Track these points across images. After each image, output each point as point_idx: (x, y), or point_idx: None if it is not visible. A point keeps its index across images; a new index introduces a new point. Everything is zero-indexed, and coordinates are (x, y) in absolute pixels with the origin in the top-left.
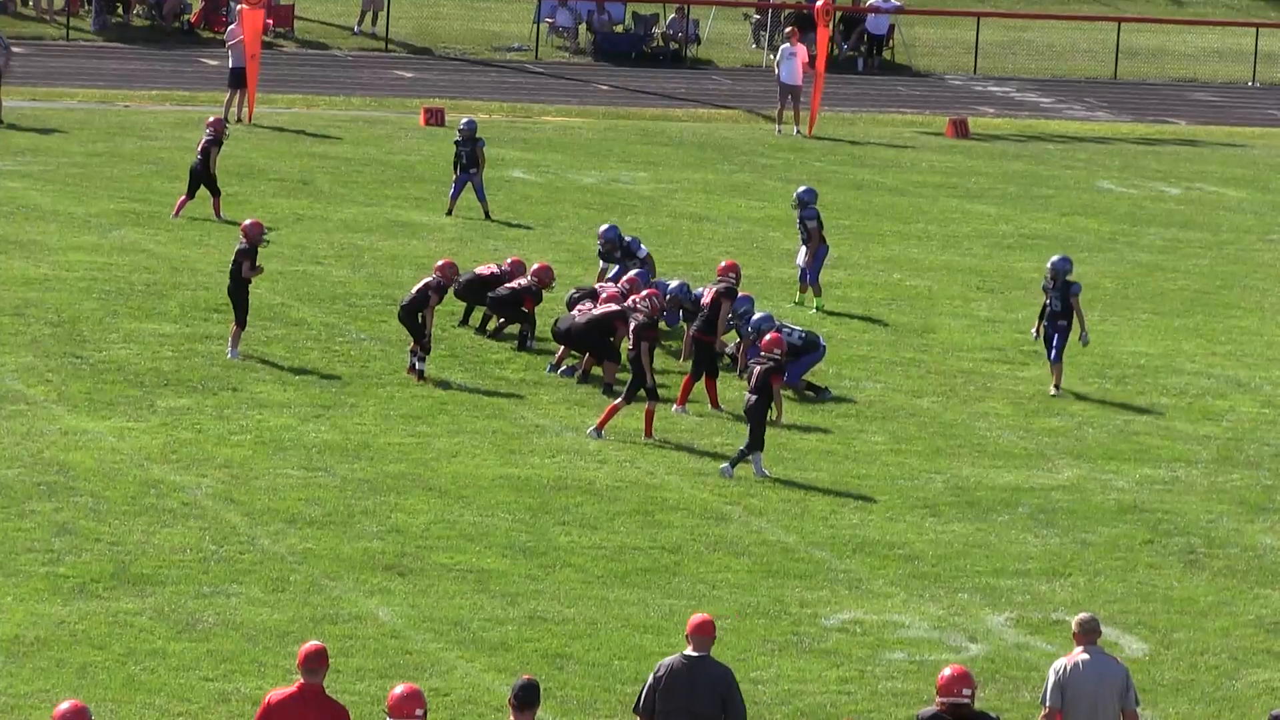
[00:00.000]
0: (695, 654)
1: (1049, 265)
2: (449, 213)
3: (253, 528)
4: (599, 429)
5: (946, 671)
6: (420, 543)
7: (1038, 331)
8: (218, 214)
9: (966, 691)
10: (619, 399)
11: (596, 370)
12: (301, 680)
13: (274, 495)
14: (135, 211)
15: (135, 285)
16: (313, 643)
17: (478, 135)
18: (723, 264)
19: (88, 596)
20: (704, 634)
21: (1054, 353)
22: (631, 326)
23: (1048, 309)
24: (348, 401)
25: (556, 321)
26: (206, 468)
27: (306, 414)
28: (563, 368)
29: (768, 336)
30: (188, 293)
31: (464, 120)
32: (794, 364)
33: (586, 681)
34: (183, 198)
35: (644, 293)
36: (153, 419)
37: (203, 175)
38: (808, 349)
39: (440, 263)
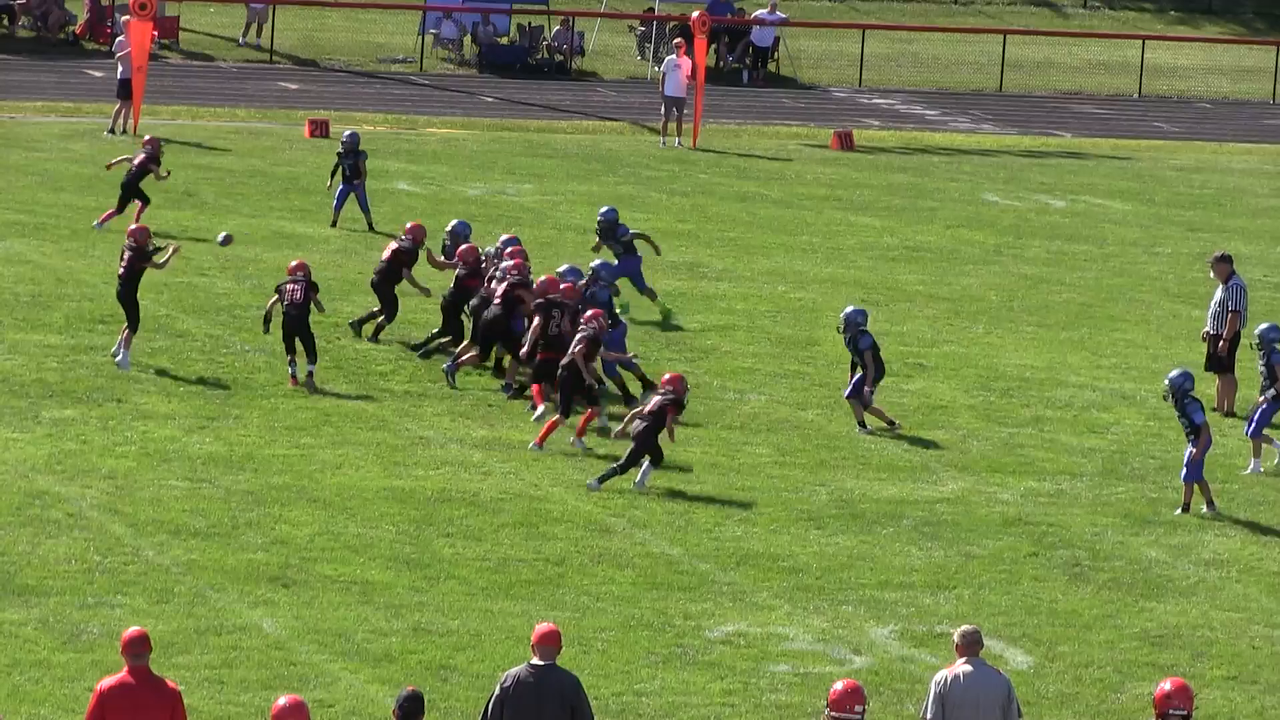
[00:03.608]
0: (541, 663)
1: (841, 316)
2: (334, 224)
3: (137, 539)
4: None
5: (839, 685)
6: (304, 554)
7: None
8: (137, 219)
9: (859, 708)
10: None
11: (491, 382)
12: (128, 665)
13: (158, 506)
14: (20, 223)
15: (20, 296)
16: (134, 628)
17: (360, 148)
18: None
19: None
20: (549, 643)
21: (849, 389)
22: (576, 348)
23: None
24: (232, 413)
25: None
26: (91, 479)
27: (191, 425)
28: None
29: (589, 312)
30: (72, 304)
31: (347, 133)
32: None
33: (470, 693)
34: (115, 213)
35: (590, 312)
36: (37, 430)
37: (133, 188)
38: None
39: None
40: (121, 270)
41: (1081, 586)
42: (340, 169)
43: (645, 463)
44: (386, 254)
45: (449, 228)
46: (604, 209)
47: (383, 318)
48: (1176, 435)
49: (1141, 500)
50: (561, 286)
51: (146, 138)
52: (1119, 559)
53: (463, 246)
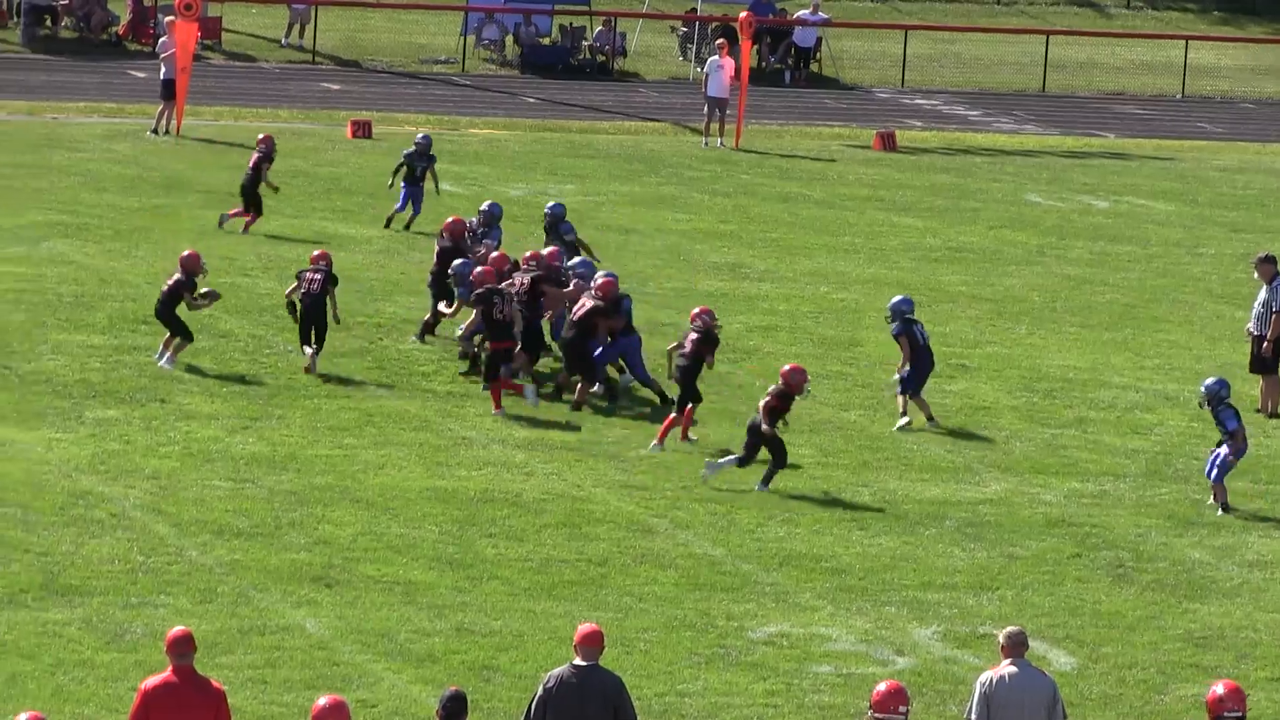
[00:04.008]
0: (584, 663)
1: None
2: (387, 224)
3: (180, 539)
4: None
5: (881, 687)
6: (347, 554)
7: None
8: (246, 229)
9: (902, 709)
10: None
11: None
12: (172, 665)
13: (202, 506)
14: (63, 223)
15: (63, 297)
16: (179, 628)
17: (431, 151)
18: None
19: (16, 607)
20: (592, 644)
21: (912, 388)
22: (691, 339)
23: None
24: (275, 413)
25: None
26: (134, 479)
27: (234, 425)
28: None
29: (697, 309)
30: (116, 304)
31: (420, 135)
32: (610, 346)
33: (514, 694)
34: (242, 212)
35: (698, 309)
36: (81, 430)
37: (251, 189)
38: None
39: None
40: (164, 289)
41: (1125, 588)
42: (411, 170)
43: (727, 456)
44: (435, 258)
45: (484, 207)
46: (551, 203)
47: (428, 315)
48: (1220, 436)
49: (1185, 501)
50: (601, 281)
51: (261, 136)
52: (1162, 560)
53: (449, 219)
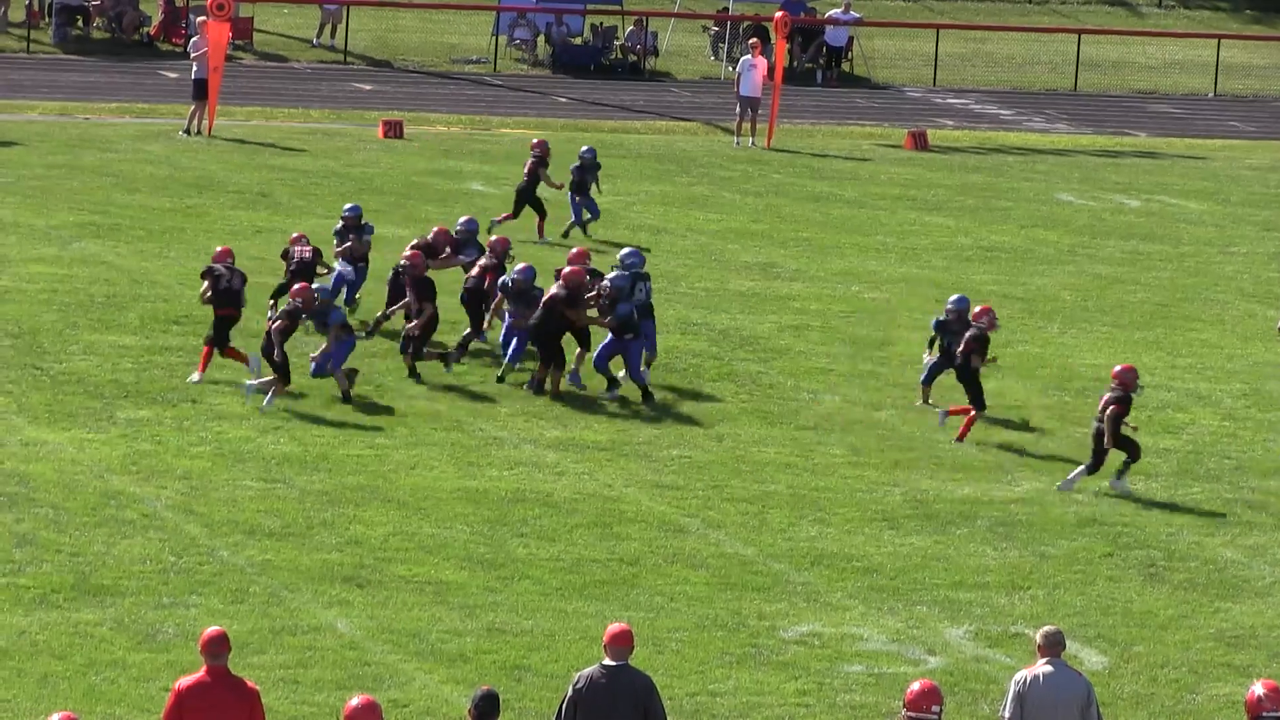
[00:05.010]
0: (614, 664)
1: (952, 309)
2: (565, 234)
3: (212, 539)
4: (960, 438)
5: (915, 686)
6: (379, 554)
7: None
8: (540, 234)
9: (935, 708)
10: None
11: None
12: (207, 665)
13: (233, 507)
14: (95, 224)
15: (95, 297)
16: (213, 628)
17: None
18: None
19: (48, 607)
20: (621, 644)
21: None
22: (962, 348)
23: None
24: (306, 413)
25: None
26: (166, 479)
27: (265, 426)
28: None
29: (978, 309)
30: (147, 305)
31: (585, 149)
32: (630, 351)
33: (545, 693)
34: (506, 215)
35: (979, 308)
36: (112, 430)
37: (528, 195)
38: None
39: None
40: (275, 324)
41: (1157, 587)
42: (581, 183)
43: (1076, 469)
44: (475, 271)
45: (461, 224)
46: (347, 205)
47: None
48: (1252, 435)
49: (1217, 500)
50: (566, 271)
51: (534, 141)
52: (1194, 559)
53: (493, 238)
